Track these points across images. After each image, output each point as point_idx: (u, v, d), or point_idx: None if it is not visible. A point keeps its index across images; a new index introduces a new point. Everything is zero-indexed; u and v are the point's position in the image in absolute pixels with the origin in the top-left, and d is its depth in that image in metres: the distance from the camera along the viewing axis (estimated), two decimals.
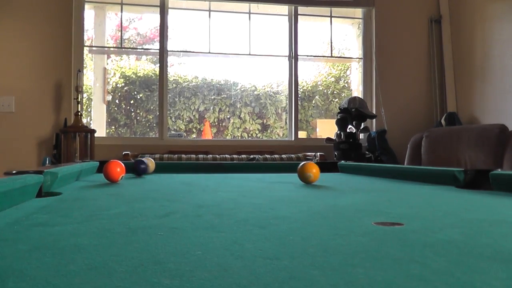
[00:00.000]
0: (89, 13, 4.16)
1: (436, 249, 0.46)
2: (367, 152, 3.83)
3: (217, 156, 3.57)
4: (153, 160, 1.86)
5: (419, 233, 0.55)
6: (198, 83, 4.78)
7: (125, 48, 4.67)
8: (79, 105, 3.48)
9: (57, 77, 3.67)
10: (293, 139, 4.26)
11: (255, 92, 4.89)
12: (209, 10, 4.26)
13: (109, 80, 4.54)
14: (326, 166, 2.10)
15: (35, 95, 3.58)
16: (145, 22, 4.91)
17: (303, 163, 1.42)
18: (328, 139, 3.82)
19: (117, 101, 4.66)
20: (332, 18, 4.48)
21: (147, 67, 4.72)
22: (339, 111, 3.82)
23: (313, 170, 1.37)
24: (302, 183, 1.39)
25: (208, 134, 4.73)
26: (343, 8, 4.42)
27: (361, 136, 3.99)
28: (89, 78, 4.44)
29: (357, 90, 4.60)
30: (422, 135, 3.74)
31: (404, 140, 3.89)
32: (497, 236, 0.54)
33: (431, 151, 3.59)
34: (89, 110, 4.45)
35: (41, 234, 0.53)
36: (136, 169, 1.71)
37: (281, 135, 4.84)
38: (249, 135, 4.86)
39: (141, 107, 4.62)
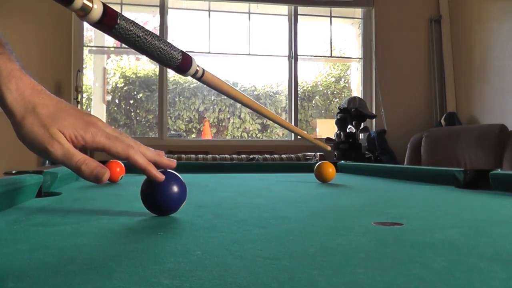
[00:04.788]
0: None
1: (435, 249, 0.46)
2: (366, 152, 3.83)
3: (217, 156, 3.57)
4: None
5: (418, 233, 0.55)
6: (198, 83, 4.77)
7: (125, 48, 4.66)
8: (78, 105, 3.48)
9: (57, 77, 3.68)
10: (292, 139, 4.26)
11: (255, 92, 4.89)
12: (209, 10, 4.26)
13: (108, 80, 4.54)
14: None
15: None
16: (149, 27, 4.91)
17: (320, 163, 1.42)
18: (328, 139, 3.82)
19: (116, 101, 4.66)
20: (332, 18, 4.48)
21: (147, 67, 4.72)
22: (339, 111, 3.82)
23: (329, 169, 1.38)
24: (301, 182, 1.39)
25: (208, 134, 4.73)
26: (343, 8, 4.43)
27: (361, 136, 3.99)
28: (89, 78, 4.44)
29: (357, 90, 4.60)
30: (422, 135, 3.74)
31: (404, 140, 3.90)
32: (497, 236, 0.54)
33: (431, 151, 3.59)
34: (88, 110, 4.45)
35: (41, 234, 0.53)
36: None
37: (281, 135, 4.84)
38: (249, 135, 4.86)
39: (141, 107, 4.62)
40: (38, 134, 0.54)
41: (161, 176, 0.61)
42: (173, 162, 0.65)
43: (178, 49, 0.66)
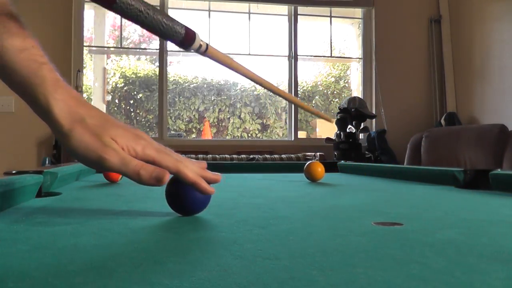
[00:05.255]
0: (89, 13, 4.16)
1: (436, 249, 0.46)
2: (366, 152, 3.83)
3: (217, 156, 3.57)
4: None
5: (418, 233, 0.55)
6: (198, 83, 4.78)
7: (124, 48, 4.67)
8: None
9: None
10: (292, 139, 4.26)
11: (255, 92, 4.89)
12: (209, 10, 4.26)
13: (108, 80, 4.54)
14: (326, 166, 2.09)
15: None
16: None
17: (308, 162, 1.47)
18: (328, 139, 3.82)
19: (116, 101, 4.66)
20: (332, 18, 4.48)
21: (147, 67, 4.72)
22: (339, 111, 3.82)
23: (318, 169, 1.42)
24: (302, 182, 1.39)
25: (208, 134, 4.73)
26: (343, 8, 4.42)
27: (361, 136, 3.99)
28: (89, 78, 4.44)
29: (357, 90, 4.60)
30: (422, 135, 3.74)
31: (404, 140, 3.89)
32: (497, 236, 0.54)
33: (431, 151, 3.59)
34: None
35: (41, 234, 0.53)
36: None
37: (281, 135, 4.84)
38: (249, 135, 4.86)
39: (141, 107, 4.63)
40: (90, 143, 0.52)
41: (211, 189, 0.61)
42: (219, 177, 0.65)
43: (181, 24, 0.66)
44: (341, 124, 3.74)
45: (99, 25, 4.25)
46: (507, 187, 1.05)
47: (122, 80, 4.61)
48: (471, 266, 0.38)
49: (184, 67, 4.84)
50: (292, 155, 3.77)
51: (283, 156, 3.72)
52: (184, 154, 3.66)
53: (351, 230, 0.57)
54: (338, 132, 3.77)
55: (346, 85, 5.01)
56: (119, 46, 4.48)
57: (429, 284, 0.33)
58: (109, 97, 4.55)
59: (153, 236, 0.53)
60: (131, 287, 0.32)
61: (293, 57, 4.26)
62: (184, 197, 0.65)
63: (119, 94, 4.63)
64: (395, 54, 4.26)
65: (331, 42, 4.46)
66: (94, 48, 4.30)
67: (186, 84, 4.74)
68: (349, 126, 3.76)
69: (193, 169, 0.60)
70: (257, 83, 0.90)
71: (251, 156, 3.61)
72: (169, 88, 4.35)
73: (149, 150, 0.56)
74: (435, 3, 4.32)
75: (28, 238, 0.50)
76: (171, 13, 4.17)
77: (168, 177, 0.55)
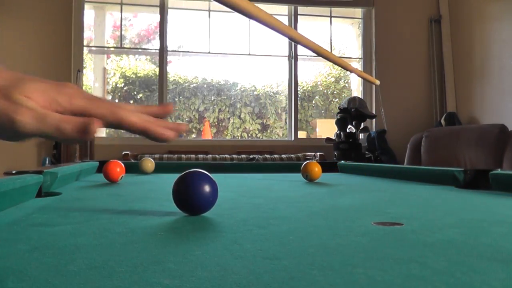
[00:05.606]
0: (89, 13, 4.15)
1: (435, 249, 0.46)
2: (366, 152, 3.83)
3: (217, 156, 3.57)
4: (152, 160, 1.87)
5: (418, 233, 0.55)
6: (198, 83, 4.77)
7: (125, 48, 4.67)
8: None
9: (56, 77, 3.67)
10: (292, 139, 4.26)
11: (255, 92, 4.88)
12: (209, 10, 4.25)
13: (108, 80, 4.54)
14: (326, 166, 2.09)
15: None
16: (140, 20, 4.90)
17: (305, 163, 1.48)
18: (328, 139, 3.82)
19: (116, 101, 4.66)
20: (332, 18, 4.48)
21: (147, 67, 4.72)
22: (338, 111, 3.82)
23: (315, 169, 1.42)
24: (301, 182, 1.40)
25: (208, 134, 4.73)
26: (343, 8, 4.42)
27: (361, 136, 3.99)
28: (89, 78, 4.44)
29: (357, 90, 4.60)
30: (422, 135, 3.74)
31: (404, 140, 3.89)
32: (497, 236, 0.54)
33: (431, 151, 3.59)
34: None
35: (41, 234, 0.53)
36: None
37: (281, 135, 4.83)
38: (249, 135, 4.86)
39: None
40: None
41: (169, 133, 0.47)
42: (182, 125, 0.50)
43: None
44: (341, 124, 3.74)
45: (99, 25, 4.24)
46: (507, 187, 1.05)
47: (122, 80, 4.60)
48: (471, 266, 0.38)
49: (184, 67, 4.84)
50: (292, 155, 3.76)
51: (283, 156, 3.72)
52: (184, 154, 3.60)
53: (351, 230, 0.57)
54: (338, 132, 3.77)
55: (346, 85, 5.00)
56: (119, 46, 4.48)
57: (429, 284, 0.33)
58: (109, 97, 4.55)
59: (153, 236, 0.53)
60: (131, 287, 0.32)
61: (293, 57, 4.26)
62: (192, 196, 0.65)
63: (119, 94, 4.63)
64: (395, 54, 4.25)
65: (331, 42, 4.46)
66: (94, 48, 4.30)
67: (186, 84, 4.74)
68: (349, 126, 3.76)
69: (139, 114, 0.47)
70: (279, 32, 0.68)
71: (251, 156, 3.61)
72: (169, 88, 4.35)
73: (77, 100, 0.44)
74: (435, 3, 4.32)
75: (28, 238, 0.50)
76: (171, 13, 4.17)
77: (96, 125, 0.43)
